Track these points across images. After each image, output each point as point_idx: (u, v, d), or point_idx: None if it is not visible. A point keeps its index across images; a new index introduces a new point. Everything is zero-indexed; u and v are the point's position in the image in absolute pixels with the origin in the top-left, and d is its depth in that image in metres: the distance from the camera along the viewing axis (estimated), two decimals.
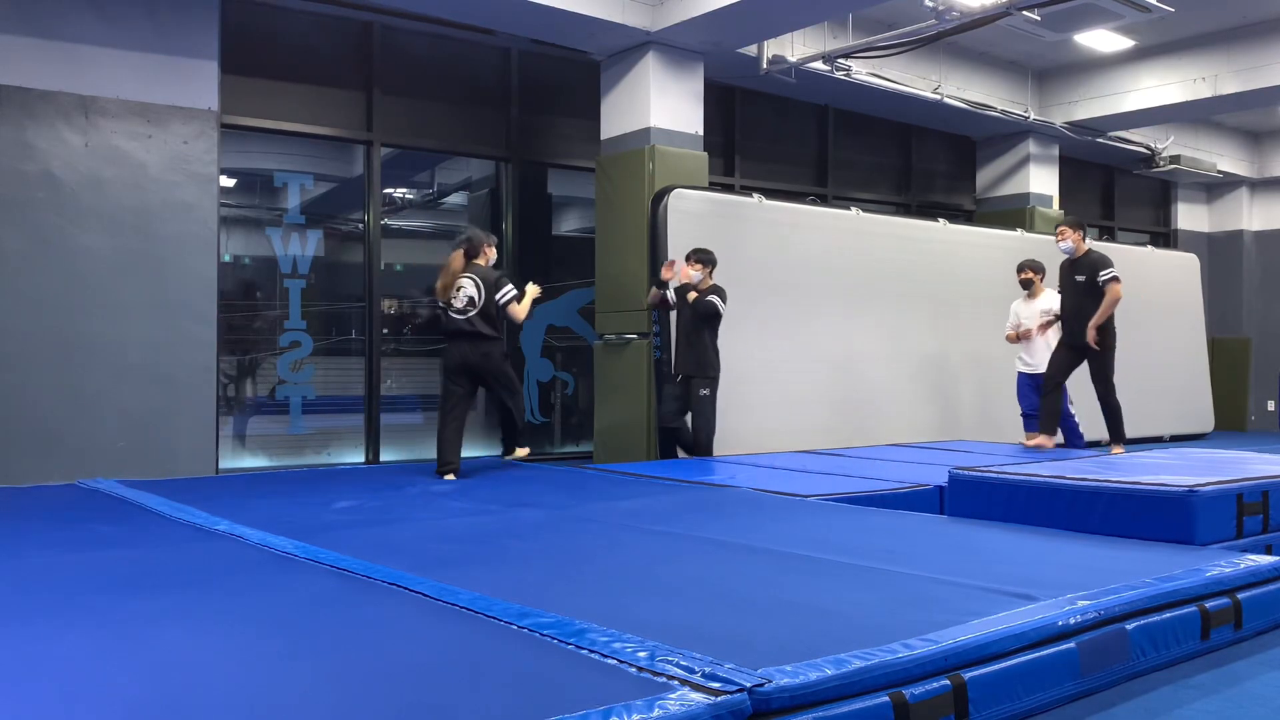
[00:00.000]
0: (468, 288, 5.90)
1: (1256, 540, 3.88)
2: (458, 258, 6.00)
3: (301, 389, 7.79)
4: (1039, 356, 7.64)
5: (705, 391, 6.81)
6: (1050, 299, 7.73)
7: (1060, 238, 7.28)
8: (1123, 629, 2.58)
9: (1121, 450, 7.01)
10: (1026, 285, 7.88)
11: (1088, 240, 7.30)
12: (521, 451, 6.46)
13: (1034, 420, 7.66)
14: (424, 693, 1.95)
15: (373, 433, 8.03)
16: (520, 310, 6.01)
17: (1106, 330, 7.15)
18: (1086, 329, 7.06)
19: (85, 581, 2.94)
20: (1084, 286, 7.14)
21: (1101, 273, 7.06)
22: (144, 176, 6.71)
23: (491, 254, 6.13)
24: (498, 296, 5.89)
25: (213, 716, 1.84)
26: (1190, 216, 14.43)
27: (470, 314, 5.89)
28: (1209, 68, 10.06)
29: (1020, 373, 7.87)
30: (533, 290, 6.21)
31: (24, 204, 6.36)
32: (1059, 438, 7.59)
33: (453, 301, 5.91)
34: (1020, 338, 7.81)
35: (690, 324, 6.88)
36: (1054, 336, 7.59)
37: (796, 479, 5.57)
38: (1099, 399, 7.27)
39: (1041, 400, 7.39)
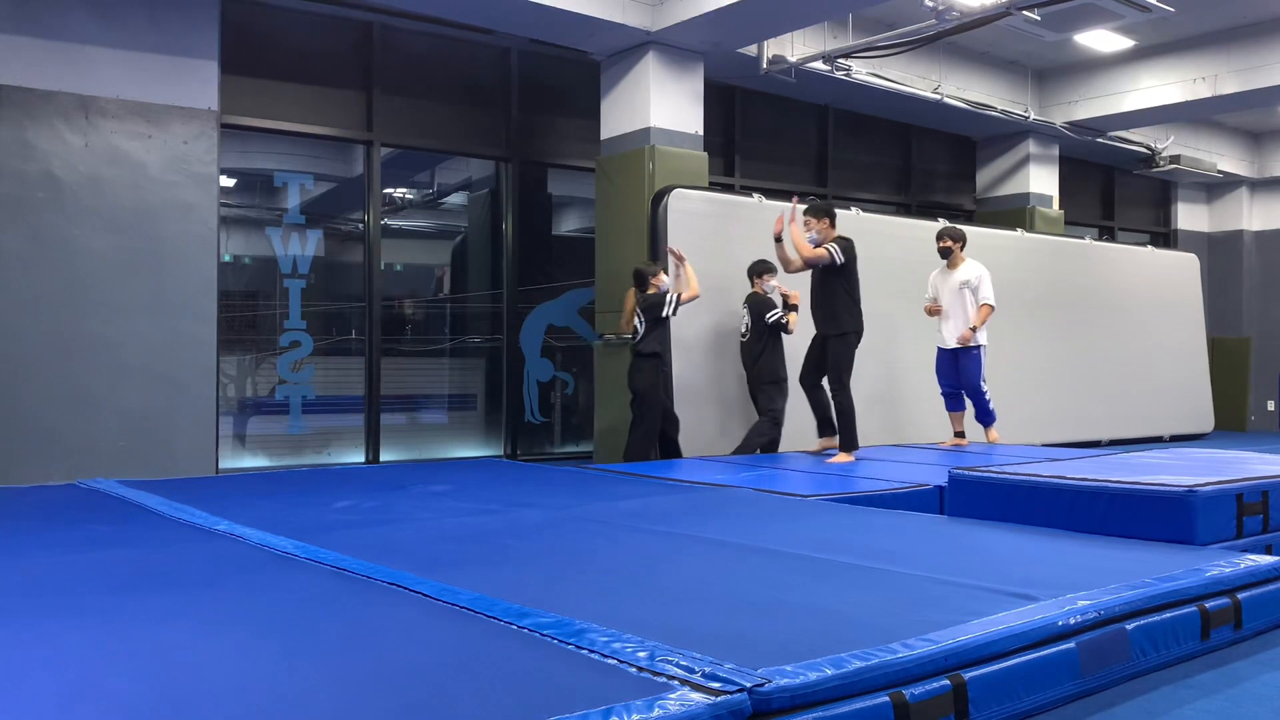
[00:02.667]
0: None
1: (1256, 540, 3.88)
2: (630, 295, 7.05)
3: (301, 389, 7.79)
4: (952, 332, 7.38)
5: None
6: (970, 270, 7.35)
7: (807, 228, 6.60)
8: (1123, 629, 2.58)
9: (849, 458, 6.39)
10: (945, 254, 7.45)
11: (835, 228, 6.67)
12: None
13: (955, 400, 7.52)
14: (424, 693, 1.95)
15: (373, 433, 8.03)
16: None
17: (840, 315, 6.53)
18: (828, 318, 6.56)
19: (85, 581, 2.94)
20: (821, 273, 6.57)
21: (827, 244, 6.46)
22: (144, 176, 6.72)
23: (662, 280, 6.97)
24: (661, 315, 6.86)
25: (213, 716, 1.84)
26: (1190, 216, 14.43)
27: (635, 341, 7.01)
28: (1209, 68, 10.06)
29: (939, 349, 7.57)
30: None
31: (24, 204, 6.37)
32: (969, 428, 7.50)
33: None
34: (934, 312, 7.51)
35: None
36: (972, 311, 7.31)
37: (796, 479, 5.56)
38: (831, 396, 6.62)
39: (810, 403, 6.89)
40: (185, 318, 6.81)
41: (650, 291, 6.93)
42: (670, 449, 7.11)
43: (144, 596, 2.76)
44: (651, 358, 6.89)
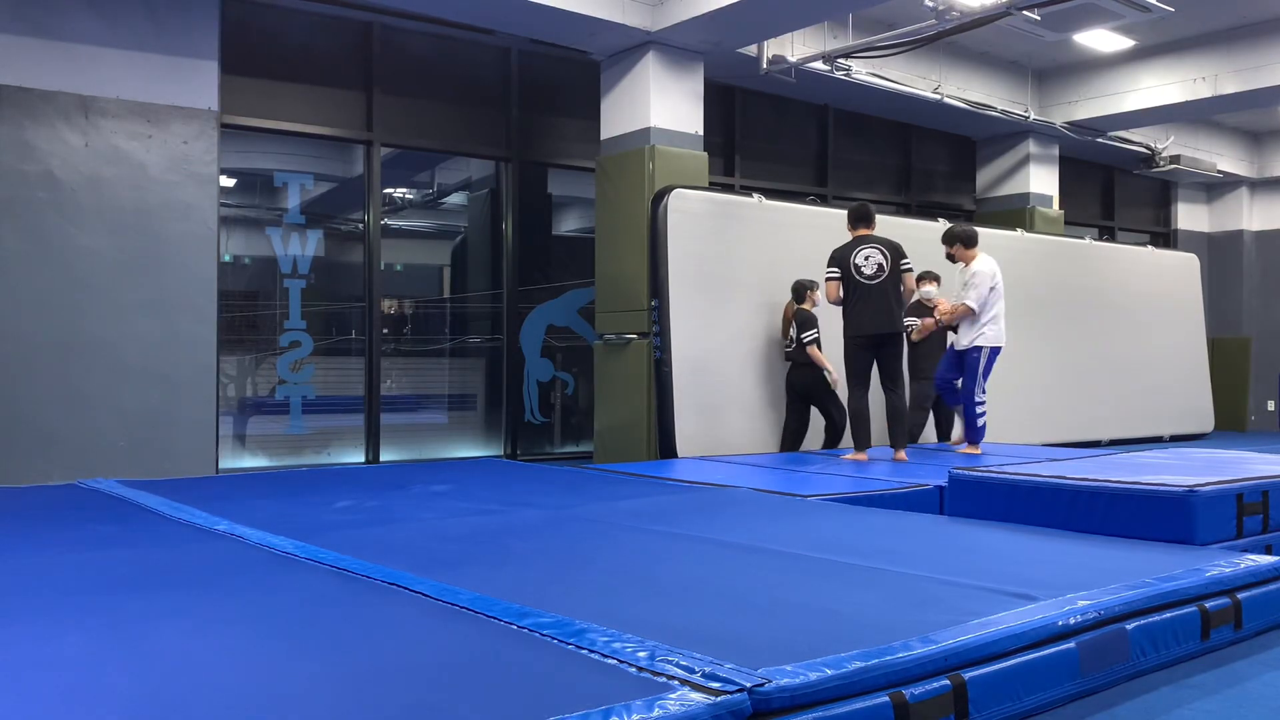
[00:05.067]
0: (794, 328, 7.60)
1: (1256, 540, 3.88)
2: (789, 305, 7.72)
3: (301, 389, 7.79)
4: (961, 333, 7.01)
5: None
6: (969, 270, 6.85)
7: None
8: (1123, 629, 2.58)
9: (859, 457, 6.44)
10: (952, 260, 7.07)
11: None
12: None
13: (949, 394, 7.18)
14: (424, 693, 1.95)
15: (373, 433, 8.03)
16: (815, 354, 7.43)
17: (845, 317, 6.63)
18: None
19: (85, 581, 2.94)
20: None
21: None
22: (144, 176, 6.72)
23: (816, 297, 7.49)
24: (803, 335, 7.50)
25: (213, 716, 1.84)
26: (1190, 216, 14.43)
27: (790, 349, 7.64)
28: (1209, 68, 10.06)
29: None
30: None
31: (24, 204, 6.37)
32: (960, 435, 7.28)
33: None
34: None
35: None
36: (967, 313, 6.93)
37: (796, 479, 5.57)
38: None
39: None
40: (185, 318, 6.81)
41: (805, 306, 7.58)
42: (834, 438, 7.63)
43: (144, 596, 2.76)
44: (806, 368, 7.52)
